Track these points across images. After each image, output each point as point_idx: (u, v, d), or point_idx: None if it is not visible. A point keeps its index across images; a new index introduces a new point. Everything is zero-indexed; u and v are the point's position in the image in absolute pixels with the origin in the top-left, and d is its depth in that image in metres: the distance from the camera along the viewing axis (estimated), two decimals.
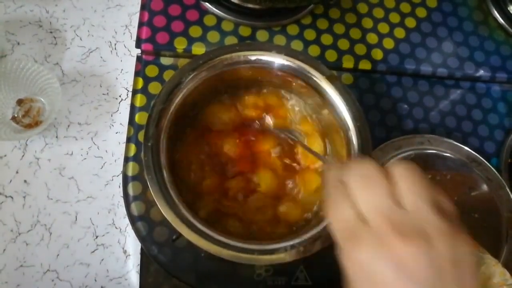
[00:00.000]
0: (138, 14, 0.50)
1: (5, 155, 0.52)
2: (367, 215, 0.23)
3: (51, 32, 0.58)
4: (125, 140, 0.45)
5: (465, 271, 0.22)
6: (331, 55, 0.51)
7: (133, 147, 0.45)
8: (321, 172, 0.29)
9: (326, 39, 0.52)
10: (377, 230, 0.23)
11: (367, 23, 0.54)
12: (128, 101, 0.55)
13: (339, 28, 0.53)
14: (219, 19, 0.50)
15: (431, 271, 0.21)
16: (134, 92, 0.47)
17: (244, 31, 0.51)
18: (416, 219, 0.22)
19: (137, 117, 0.46)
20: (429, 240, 0.22)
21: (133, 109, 0.46)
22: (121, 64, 0.57)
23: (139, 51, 0.49)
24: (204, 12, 0.50)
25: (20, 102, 0.54)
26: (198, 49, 0.49)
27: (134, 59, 0.48)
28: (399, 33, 0.54)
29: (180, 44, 0.49)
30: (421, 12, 0.56)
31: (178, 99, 0.38)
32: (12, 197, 0.51)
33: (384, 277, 0.22)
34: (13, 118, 0.54)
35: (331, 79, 0.40)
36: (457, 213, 0.24)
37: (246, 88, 0.44)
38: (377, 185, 0.24)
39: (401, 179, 0.24)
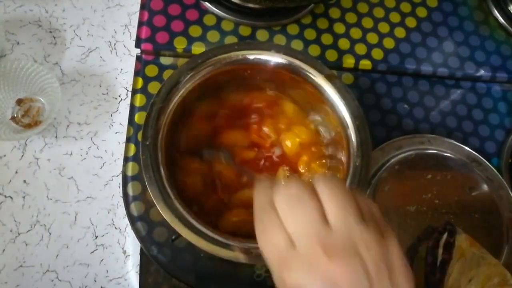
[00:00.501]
0: (137, 14, 0.50)
1: (4, 155, 0.52)
2: (295, 239, 0.23)
3: (50, 32, 0.57)
4: (124, 140, 0.45)
5: (399, 273, 0.22)
6: (331, 55, 0.51)
7: (132, 147, 0.45)
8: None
9: (327, 38, 0.52)
10: (306, 254, 0.23)
11: (368, 22, 0.54)
12: (128, 101, 0.55)
13: (339, 28, 0.53)
14: (219, 19, 0.50)
15: (362, 283, 0.21)
16: (134, 92, 0.47)
17: (244, 30, 0.50)
18: (342, 235, 0.23)
19: (136, 117, 0.46)
20: (357, 253, 0.22)
21: (132, 109, 0.46)
22: (120, 64, 0.57)
23: (138, 50, 0.49)
24: (204, 11, 0.50)
25: (19, 102, 0.54)
26: (198, 48, 0.49)
27: (134, 58, 0.48)
28: (400, 32, 0.54)
29: (180, 44, 0.48)
30: (421, 12, 0.56)
31: (177, 98, 0.38)
32: (11, 197, 0.50)
33: None
34: (13, 118, 0.53)
35: (330, 78, 0.40)
36: (381, 212, 0.25)
37: (244, 88, 0.44)
38: (305, 205, 0.24)
39: (324, 194, 0.24)
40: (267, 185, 0.27)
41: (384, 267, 0.22)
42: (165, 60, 0.48)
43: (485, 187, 0.48)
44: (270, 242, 0.25)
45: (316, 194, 0.24)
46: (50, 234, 0.50)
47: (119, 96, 0.56)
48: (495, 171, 0.49)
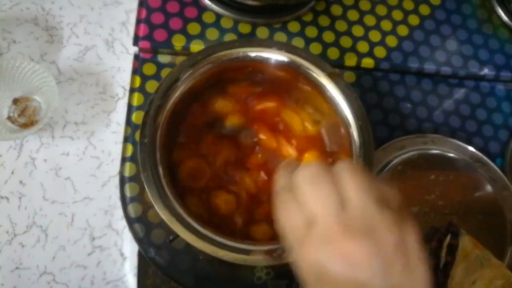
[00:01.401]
0: (135, 11, 0.49)
1: (0, 155, 0.51)
2: (314, 218, 0.24)
3: (47, 30, 0.57)
4: (122, 140, 0.45)
5: (414, 258, 0.23)
6: (333, 53, 0.51)
7: (130, 147, 0.44)
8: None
9: (328, 36, 0.51)
10: (325, 232, 0.23)
11: (370, 20, 0.53)
12: (125, 100, 0.54)
13: (341, 25, 0.52)
14: (218, 16, 0.50)
15: (379, 262, 0.22)
16: (131, 90, 0.46)
17: (244, 28, 0.50)
18: (361, 215, 0.23)
19: (134, 116, 0.45)
20: (375, 233, 0.23)
21: (130, 108, 0.46)
22: (118, 62, 0.56)
23: (136, 49, 0.48)
24: (203, 9, 0.50)
25: (15, 101, 0.53)
26: (197, 46, 0.48)
27: (132, 57, 0.48)
28: (403, 30, 0.54)
29: (178, 42, 0.48)
30: (424, 10, 0.55)
31: (176, 96, 0.37)
32: (7, 198, 0.50)
33: (334, 275, 0.22)
34: (9, 118, 0.53)
35: (332, 77, 0.39)
36: (403, 201, 0.25)
37: (245, 86, 0.43)
38: (324, 184, 0.25)
39: (345, 176, 0.25)
40: (290, 167, 0.28)
41: (400, 251, 0.23)
42: (163, 58, 0.47)
43: (488, 187, 0.48)
44: (290, 221, 0.26)
45: (337, 177, 0.25)
46: (46, 235, 0.49)
47: (117, 95, 0.55)
48: (499, 171, 0.48)
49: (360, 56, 0.51)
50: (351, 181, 0.25)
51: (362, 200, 0.24)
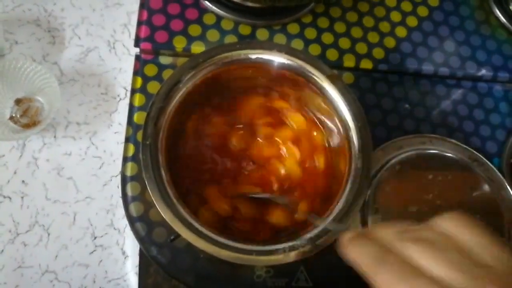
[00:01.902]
0: (137, 13, 0.49)
1: (3, 155, 0.52)
2: (451, 278, 0.20)
3: (49, 31, 0.57)
4: (123, 140, 0.45)
5: None
6: (332, 54, 0.51)
7: (131, 147, 0.44)
8: (345, 245, 0.25)
9: (327, 38, 0.52)
10: None
11: (368, 22, 0.54)
12: (127, 100, 0.54)
13: (340, 27, 0.52)
14: (219, 18, 0.50)
15: None
16: (133, 91, 0.46)
17: (244, 29, 0.50)
18: (504, 271, 0.20)
19: (135, 117, 0.45)
20: None
21: (131, 108, 0.46)
22: (119, 63, 0.57)
23: (138, 50, 0.48)
24: (204, 10, 0.50)
25: (18, 101, 0.54)
26: (198, 48, 0.48)
27: (133, 58, 0.48)
28: (401, 32, 0.54)
29: (179, 43, 0.48)
30: (422, 11, 0.56)
31: (177, 97, 0.37)
32: (10, 198, 0.50)
33: None
34: (11, 118, 0.53)
35: (332, 78, 0.39)
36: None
37: (245, 88, 0.44)
38: (443, 244, 0.21)
39: (465, 233, 0.21)
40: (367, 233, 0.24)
41: None
42: (164, 60, 0.48)
43: (486, 187, 0.48)
44: None
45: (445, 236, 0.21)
46: (49, 234, 0.49)
47: (118, 95, 0.56)
48: (497, 171, 0.49)
49: (359, 57, 0.52)
50: (473, 233, 0.21)
51: (501, 252, 0.20)
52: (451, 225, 0.22)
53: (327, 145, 0.43)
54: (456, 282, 0.20)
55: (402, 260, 0.21)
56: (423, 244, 0.21)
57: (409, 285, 0.20)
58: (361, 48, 0.52)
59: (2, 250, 0.48)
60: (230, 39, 0.50)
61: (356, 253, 0.24)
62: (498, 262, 0.20)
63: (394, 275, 0.21)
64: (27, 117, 0.53)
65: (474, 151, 0.49)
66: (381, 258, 0.22)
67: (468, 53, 0.55)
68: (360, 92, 0.51)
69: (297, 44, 0.51)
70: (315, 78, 0.40)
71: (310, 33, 0.52)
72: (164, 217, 0.33)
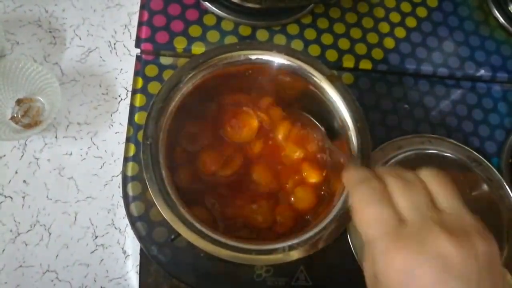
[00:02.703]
0: (137, 14, 0.50)
1: (4, 155, 0.52)
2: (409, 215, 0.24)
3: (50, 32, 0.57)
4: (124, 140, 0.45)
5: (496, 268, 0.23)
6: (331, 55, 0.51)
7: (132, 147, 0.45)
8: (344, 172, 0.29)
9: (327, 38, 0.52)
10: (419, 229, 0.23)
11: (368, 22, 0.54)
12: (128, 101, 0.54)
13: (339, 28, 0.53)
14: (219, 19, 0.50)
15: (474, 270, 0.21)
16: (134, 92, 0.47)
17: (244, 30, 0.50)
18: (456, 220, 0.23)
19: (136, 117, 0.46)
20: (470, 239, 0.22)
21: (132, 109, 0.46)
22: (120, 64, 0.57)
23: (138, 50, 0.49)
24: (204, 11, 0.50)
25: (19, 102, 0.54)
26: (198, 48, 0.49)
27: (134, 58, 0.48)
28: (400, 32, 0.54)
29: (179, 44, 0.48)
30: (421, 12, 0.56)
31: (177, 98, 0.38)
32: (11, 197, 0.50)
33: (424, 280, 0.21)
34: (12, 118, 0.53)
35: (331, 79, 0.40)
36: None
37: (245, 89, 0.44)
38: (416, 185, 0.25)
39: (435, 183, 0.25)
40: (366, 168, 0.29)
41: (489, 261, 0.22)
42: (165, 60, 0.48)
43: (485, 187, 0.48)
44: (379, 216, 0.24)
45: (426, 181, 0.25)
46: (50, 234, 0.50)
47: (119, 96, 0.56)
48: (495, 171, 0.49)
49: (358, 58, 0.52)
50: (441, 186, 0.25)
51: (454, 205, 0.24)
52: (428, 174, 0.26)
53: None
54: (410, 217, 0.24)
55: (378, 187, 0.26)
56: (401, 181, 0.25)
57: (372, 206, 0.25)
58: (361, 48, 0.52)
59: (3, 250, 0.48)
60: (230, 40, 0.50)
61: (349, 175, 0.29)
62: (450, 209, 0.24)
63: (364, 195, 0.26)
64: (28, 117, 0.54)
65: (473, 151, 0.49)
66: (363, 179, 0.27)
67: (467, 53, 0.55)
68: (359, 92, 0.51)
69: (297, 44, 0.51)
70: (314, 78, 0.40)
71: (310, 33, 0.52)
72: (165, 216, 0.34)
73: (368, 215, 0.25)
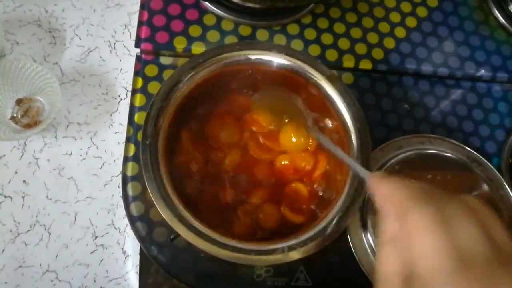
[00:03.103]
0: (137, 14, 0.50)
1: (4, 155, 0.52)
2: (469, 252, 0.21)
3: (50, 32, 0.57)
4: (124, 140, 0.45)
5: None
6: (331, 55, 0.51)
7: (132, 147, 0.45)
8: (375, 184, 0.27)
9: (327, 38, 0.52)
10: (486, 270, 0.21)
11: (368, 22, 0.54)
12: (128, 100, 0.54)
13: (339, 28, 0.53)
14: (219, 19, 0.50)
15: None
16: (134, 91, 0.47)
17: (244, 30, 0.50)
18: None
19: (136, 117, 0.46)
20: None
21: (132, 108, 0.46)
22: (120, 64, 0.57)
23: (138, 50, 0.49)
24: (204, 11, 0.50)
25: (19, 102, 0.54)
26: (198, 48, 0.49)
27: (134, 58, 0.48)
28: (400, 32, 0.54)
29: (179, 44, 0.48)
30: (421, 12, 0.56)
31: (177, 98, 0.38)
32: (11, 197, 0.50)
33: None
34: (12, 118, 0.53)
35: (331, 79, 0.40)
36: None
37: (245, 88, 0.44)
38: (476, 220, 0.22)
39: (487, 215, 0.23)
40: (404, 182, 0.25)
41: None
42: (165, 60, 0.48)
43: (485, 187, 0.48)
44: (437, 248, 0.21)
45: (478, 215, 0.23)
46: (49, 234, 0.50)
47: (119, 96, 0.56)
48: (496, 171, 0.49)
49: (358, 57, 0.52)
50: (492, 217, 0.23)
51: (507, 238, 0.22)
52: (476, 202, 0.23)
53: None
54: (472, 254, 0.21)
55: (437, 212, 0.22)
56: (464, 208, 0.22)
57: (431, 234, 0.22)
58: (361, 48, 0.52)
59: (3, 250, 0.48)
60: (230, 39, 0.50)
61: (389, 189, 0.25)
62: (506, 244, 0.22)
63: (423, 219, 0.22)
64: (28, 117, 0.54)
65: (473, 151, 0.49)
66: (415, 198, 0.23)
67: (467, 53, 0.55)
68: (359, 92, 0.51)
69: (297, 44, 0.51)
70: (314, 78, 0.40)
71: (310, 33, 0.52)
72: (164, 216, 0.34)
73: (426, 243, 0.22)
